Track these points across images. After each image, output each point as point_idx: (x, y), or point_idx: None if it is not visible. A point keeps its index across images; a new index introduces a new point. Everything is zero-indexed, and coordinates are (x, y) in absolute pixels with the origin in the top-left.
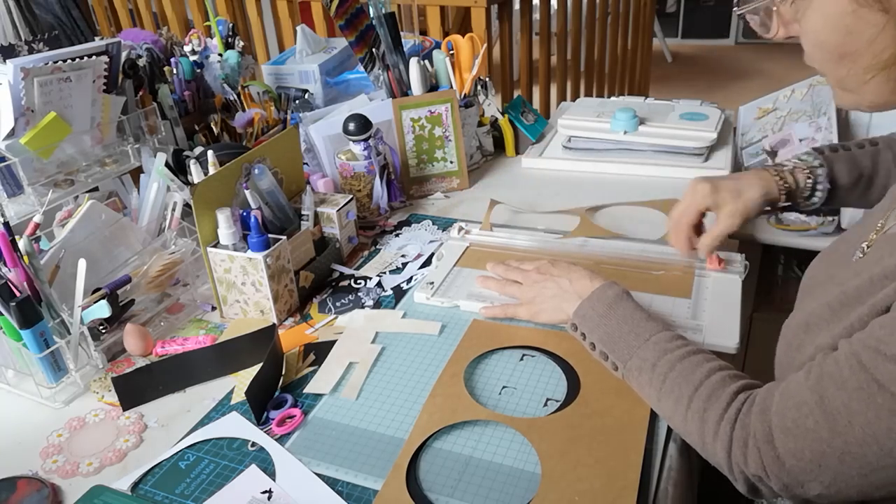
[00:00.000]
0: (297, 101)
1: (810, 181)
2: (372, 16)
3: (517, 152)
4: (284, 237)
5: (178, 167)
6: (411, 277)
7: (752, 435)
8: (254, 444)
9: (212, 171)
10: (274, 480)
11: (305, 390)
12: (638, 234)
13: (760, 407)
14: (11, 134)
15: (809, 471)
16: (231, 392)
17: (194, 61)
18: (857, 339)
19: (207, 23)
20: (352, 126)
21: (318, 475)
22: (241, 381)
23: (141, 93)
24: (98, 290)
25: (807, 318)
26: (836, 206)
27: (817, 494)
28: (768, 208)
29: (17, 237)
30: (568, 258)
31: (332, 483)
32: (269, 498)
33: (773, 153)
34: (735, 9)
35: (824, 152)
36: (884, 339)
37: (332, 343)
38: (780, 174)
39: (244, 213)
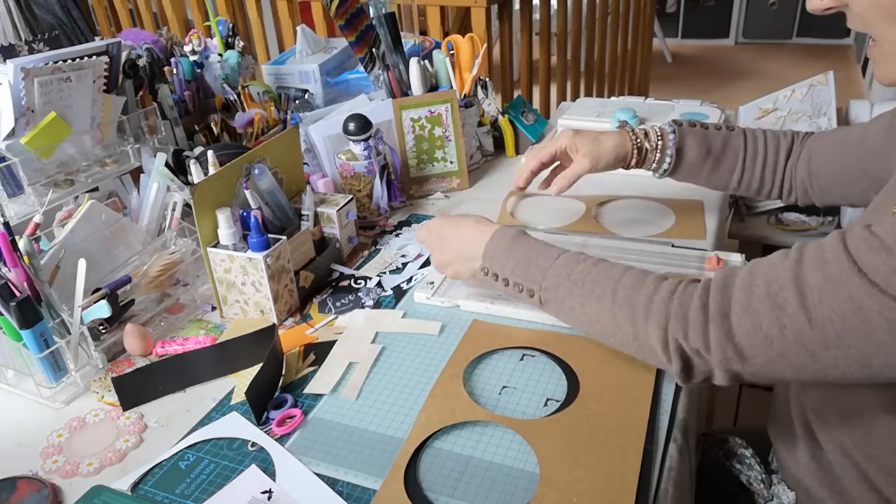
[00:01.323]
0: (297, 101)
1: (660, 143)
2: (372, 16)
3: (517, 152)
4: (284, 237)
5: (178, 167)
6: (411, 277)
7: (697, 308)
8: (254, 444)
9: (212, 171)
10: (274, 480)
11: (305, 390)
12: (638, 233)
13: (720, 284)
14: (11, 134)
15: (758, 346)
16: (231, 392)
17: (194, 61)
18: (846, 228)
19: (207, 23)
20: (352, 126)
21: (318, 475)
22: (241, 381)
23: (141, 93)
24: (98, 290)
25: None
26: (686, 178)
27: (752, 372)
28: (623, 164)
29: (17, 237)
30: None
31: (332, 483)
32: (269, 498)
33: None
34: None
35: (682, 125)
36: (875, 232)
37: (332, 343)
38: (635, 133)
39: (244, 213)
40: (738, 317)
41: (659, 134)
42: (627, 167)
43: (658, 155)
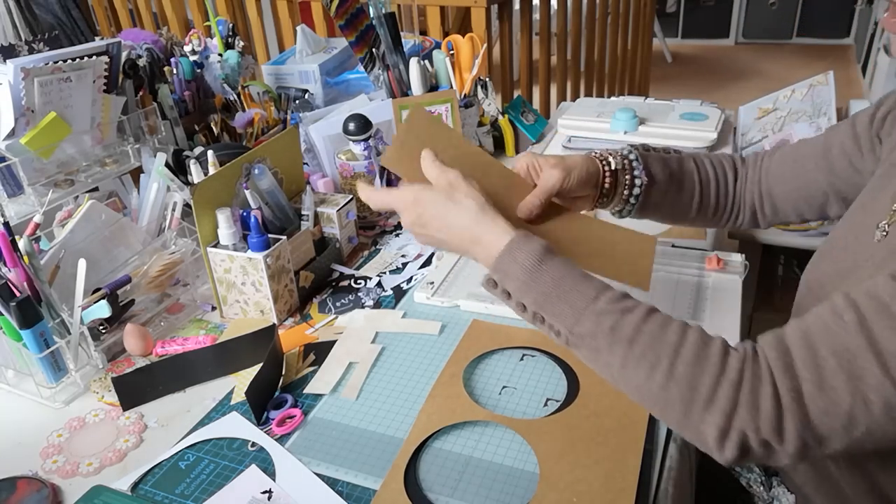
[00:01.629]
0: (297, 101)
1: (625, 163)
2: (372, 16)
3: (517, 152)
4: (284, 237)
5: (178, 167)
6: (411, 277)
7: (770, 395)
8: (254, 444)
9: (212, 171)
10: (274, 480)
11: (305, 390)
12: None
13: (781, 364)
14: (11, 134)
15: (840, 426)
16: (231, 392)
17: (194, 61)
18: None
19: (207, 23)
20: (352, 126)
21: (318, 475)
22: (241, 381)
23: (141, 93)
24: (98, 290)
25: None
26: (653, 206)
27: (831, 453)
28: (594, 186)
29: (17, 237)
30: None
31: (332, 483)
32: (269, 498)
33: None
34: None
35: (638, 148)
36: None
37: (332, 343)
38: (600, 154)
39: (244, 213)
40: (812, 398)
41: (622, 155)
42: (598, 197)
43: (629, 177)
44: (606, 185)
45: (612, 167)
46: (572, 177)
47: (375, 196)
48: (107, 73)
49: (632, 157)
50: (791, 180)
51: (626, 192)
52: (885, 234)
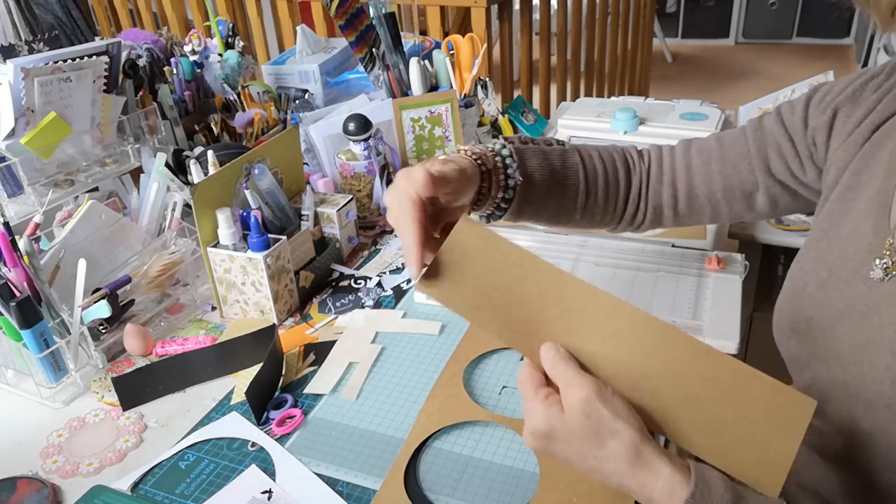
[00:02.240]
0: (297, 101)
1: (497, 160)
2: (372, 16)
3: None
4: (284, 237)
5: (178, 167)
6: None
7: None
8: (254, 444)
9: (212, 171)
10: (274, 480)
11: (305, 390)
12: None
13: None
14: (11, 134)
15: None
16: (231, 392)
17: (194, 61)
18: None
19: (207, 23)
20: (352, 126)
21: (318, 475)
22: (241, 381)
23: (141, 93)
24: (98, 290)
25: (894, 374)
26: (530, 206)
27: None
28: (472, 187)
29: (17, 237)
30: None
31: (332, 483)
32: (269, 498)
33: None
34: None
35: (514, 142)
36: None
37: (332, 343)
38: (468, 150)
39: (244, 213)
40: None
41: (494, 151)
42: (476, 200)
43: (502, 177)
44: (483, 193)
45: (484, 163)
46: (448, 176)
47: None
48: (107, 73)
49: (505, 152)
50: (718, 180)
51: (497, 195)
52: (890, 273)
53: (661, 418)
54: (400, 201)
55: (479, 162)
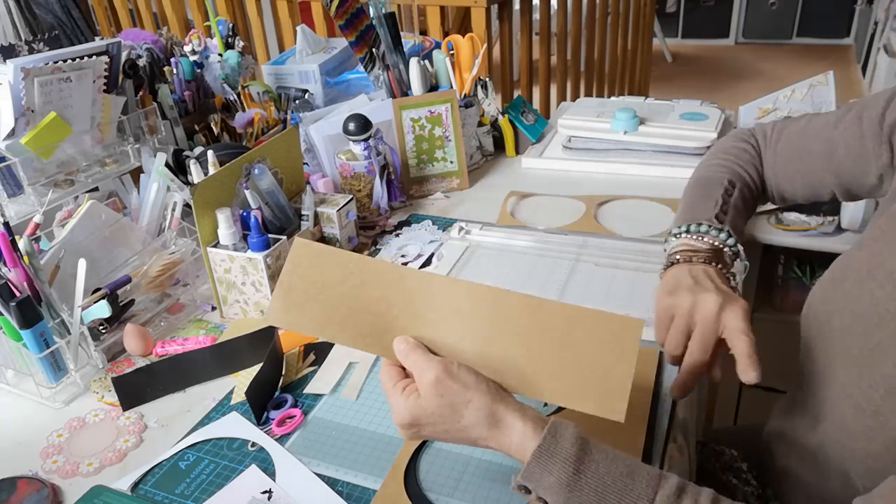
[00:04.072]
0: (297, 101)
1: (732, 254)
2: (372, 16)
3: (517, 152)
4: (284, 237)
5: (178, 167)
6: None
7: None
8: (254, 444)
9: (212, 171)
10: (274, 480)
11: (305, 390)
12: (638, 233)
13: None
14: (11, 134)
15: None
16: (231, 392)
17: (194, 61)
18: None
19: (207, 23)
20: (352, 126)
21: (318, 475)
22: (241, 381)
23: (141, 93)
24: (98, 290)
25: (889, 384)
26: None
27: None
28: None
29: (17, 237)
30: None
31: (332, 483)
32: (269, 498)
33: None
34: None
35: (723, 221)
36: None
37: (332, 343)
38: (721, 263)
39: (244, 213)
40: None
41: (729, 246)
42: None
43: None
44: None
45: (734, 271)
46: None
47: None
48: (107, 73)
49: (731, 242)
50: (798, 180)
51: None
52: None
53: (515, 379)
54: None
55: (728, 274)
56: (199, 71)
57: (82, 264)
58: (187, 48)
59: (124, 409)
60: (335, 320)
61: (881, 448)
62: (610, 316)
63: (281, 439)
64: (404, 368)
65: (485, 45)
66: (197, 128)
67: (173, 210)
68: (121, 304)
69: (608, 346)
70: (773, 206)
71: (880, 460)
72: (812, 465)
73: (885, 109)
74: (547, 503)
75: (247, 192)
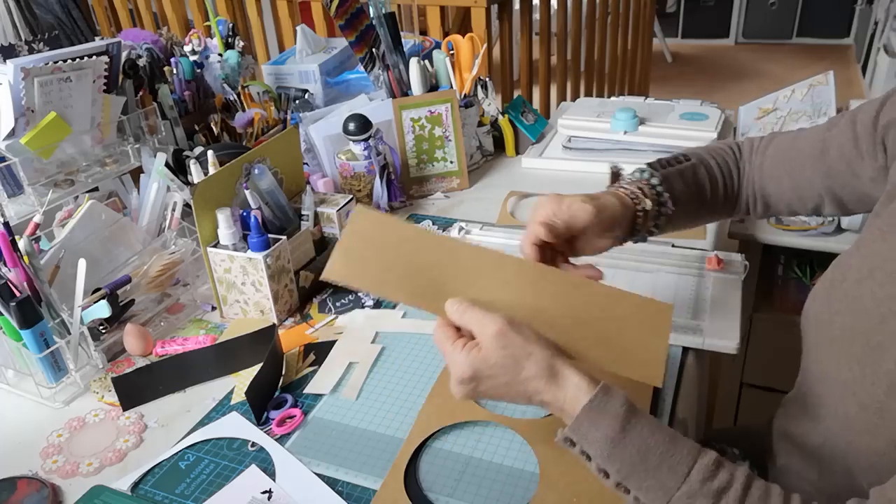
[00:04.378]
0: (297, 101)
1: (654, 196)
2: (372, 16)
3: (517, 152)
4: (284, 237)
5: (178, 167)
6: None
7: None
8: (254, 444)
9: (212, 171)
10: (274, 480)
11: (305, 390)
12: None
13: None
14: (11, 134)
15: None
16: (231, 392)
17: (194, 61)
18: None
19: (207, 23)
20: (352, 126)
21: (318, 475)
22: (241, 381)
23: (141, 93)
24: (98, 290)
25: (891, 380)
26: (673, 222)
27: None
28: (626, 224)
29: (17, 237)
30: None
31: (332, 483)
32: (269, 498)
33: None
34: None
35: (658, 171)
36: None
37: (332, 343)
38: (631, 193)
39: (244, 213)
40: None
41: (650, 185)
42: (630, 232)
43: (655, 211)
44: (638, 224)
45: (646, 207)
46: (604, 216)
47: (443, 344)
48: (107, 73)
49: (655, 181)
50: (786, 181)
51: (652, 223)
52: None
53: (561, 343)
54: (541, 220)
55: (636, 202)
56: (199, 71)
57: (82, 264)
58: (187, 48)
59: (124, 409)
60: (391, 280)
61: (885, 445)
62: (645, 299)
63: (281, 439)
64: (458, 329)
65: (485, 45)
66: (197, 128)
67: (173, 210)
68: (121, 304)
69: (645, 322)
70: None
71: (885, 457)
72: (815, 463)
73: (878, 112)
74: (590, 457)
75: (247, 192)
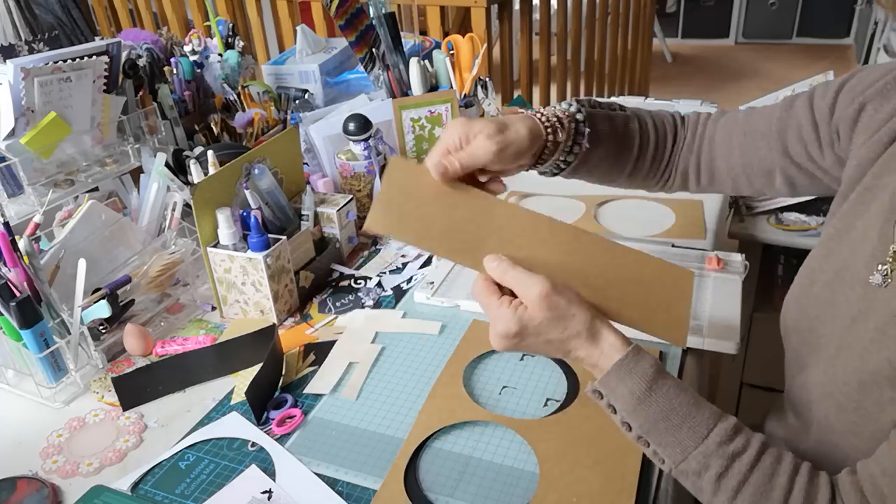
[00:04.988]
0: (297, 101)
1: (573, 126)
2: (372, 16)
3: None
4: (284, 237)
5: (178, 167)
6: (411, 277)
7: None
8: (254, 444)
9: (212, 171)
10: (274, 480)
11: (305, 390)
12: (638, 233)
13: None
14: (11, 134)
15: None
16: (231, 392)
17: (194, 61)
18: None
19: (207, 23)
20: (352, 126)
21: (318, 475)
22: (241, 381)
23: (141, 93)
24: (98, 290)
25: (859, 377)
26: (588, 166)
27: None
28: (535, 148)
29: (17, 237)
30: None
31: (332, 483)
32: (269, 498)
33: None
34: None
35: (585, 106)
36: None
37: (332, 343)
38: (547, 120)
39: (244, 213)
40: None
41: (569, 114)
42: (539, 156)
43: (571, 143)
44: (546, 153)
45: (559, 139)
46: (507, 153)
47: (484, 297)
48: (107, 73)
49: (580, 116)
50: (737, 155)
51: (562, 158)
52: (887, 280)
53: (595, 303)
54: (440, 155)
55: (548, 129)
56: (199, 71)
57: (82, 264)
58: (187, 48)
59: (124, 409)
60: (432, 235)
61: (868, 443)
62: (669, 264)
63: (281, 439)
64: (498, 285)
65: (485, 45)
66: (197, 128)
67: (173, 210)
68: (121, 304)
69: (669, 287)
70: (760, 207)
71: (870, 455)
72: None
73: (834, 101)
74: (616, 410)
75: (247, 192)
